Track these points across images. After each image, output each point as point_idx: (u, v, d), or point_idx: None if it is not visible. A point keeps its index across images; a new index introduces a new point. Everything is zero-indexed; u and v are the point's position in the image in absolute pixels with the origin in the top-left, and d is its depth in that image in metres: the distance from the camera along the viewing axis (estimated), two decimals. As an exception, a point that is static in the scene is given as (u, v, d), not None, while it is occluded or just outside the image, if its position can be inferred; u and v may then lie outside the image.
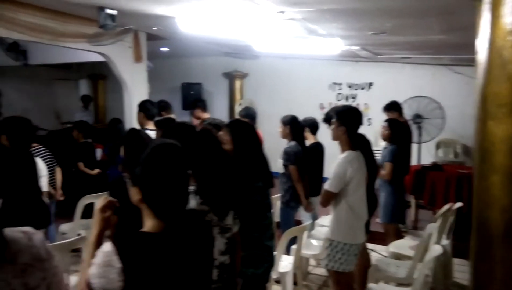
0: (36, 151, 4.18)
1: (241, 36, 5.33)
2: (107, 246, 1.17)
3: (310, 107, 7.22)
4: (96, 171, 5.07)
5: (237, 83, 8.50)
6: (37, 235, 1.08)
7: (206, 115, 5.09)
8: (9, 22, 4.01)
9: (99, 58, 5.68)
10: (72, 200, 4.23)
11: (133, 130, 2.91)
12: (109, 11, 3.99)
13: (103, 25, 4.07)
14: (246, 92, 8.57)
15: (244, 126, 2.31)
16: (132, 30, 5.31)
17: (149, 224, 1.26)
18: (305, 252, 3.69)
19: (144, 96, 5.68)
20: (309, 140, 4.32)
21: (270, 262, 2.33)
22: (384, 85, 7.49)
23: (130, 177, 1.29)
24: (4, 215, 2.59)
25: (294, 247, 3.54)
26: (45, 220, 3.29)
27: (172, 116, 4.91)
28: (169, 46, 7.15)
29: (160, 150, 1.28)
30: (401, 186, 4.24)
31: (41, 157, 4.15)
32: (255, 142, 2.29)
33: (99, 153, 5.61)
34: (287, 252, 3.55)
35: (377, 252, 4.45)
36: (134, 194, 1.28)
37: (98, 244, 1.34)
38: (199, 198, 1.72)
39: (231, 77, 8.55)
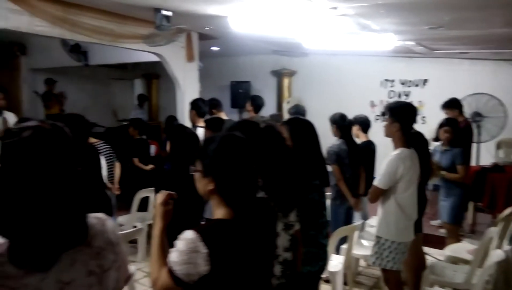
0: (98, 146, 4.47)
1: (291, 34, 5.32)
2: (190, 234, 1.23)
3: (361, 105, 7.07)
4: (150, 166, 5.28)
5: (285, 81, 8.50)
6: (109, 221, 1.15)
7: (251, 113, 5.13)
8: (73, 25, 4.28)
9: (153, 58, 5.91)
10: (128, 194, 4.45)
11: (179, 126, 3.04)
12: (164, 12, 4.14)
13: (159, 26, 4.23)
14: (294, 90, 8.54)
15: (303, 124, 2.32)
16: (185, 30, 5.47)
17: (220, 213, 1.32)
18: (356, 252, 3.63)
19: (196, 95, 5.84)
20: (360, 139, 4.24)
21: (324, 261, 2.32)
22: (440, 82, 7.17)
23: (202, 168, 1.35)
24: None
25: (344, 246, 3.49)
26: (108, 212, 3.49)
27: (222, 114, 5.01)
28: (219, 45, 7.29)
29: (231, 141, 1.34)
30: (467, 188, 4.12)
31: (102, 152, 4.42)
32: (314, 139, 2.30)
33: (153, 149, 5.84)
34: (337, 251, 3.52)
35: (431, 256, 4.28)
36: (204, 185, 1.34)
37: (163, 236, 1.41)
38: (264, 194, 1.75)
39: (279, 75, 8.55)
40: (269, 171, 1.80)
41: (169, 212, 1.47)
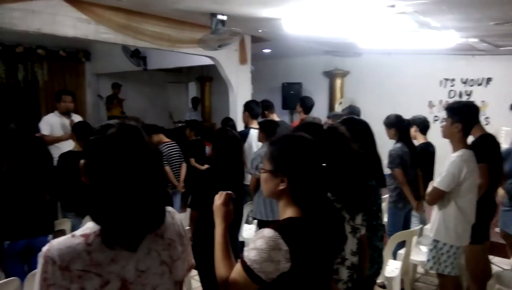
0: (168, 145, 4.78)
1: (345, 34, 5.25)
2: (269, 232, 1.25)
3: (418, 105, 6.79)
4: (205, 166, 5.43)
5: (338, 82, 8.37)
6: (177, 215, 1.23)
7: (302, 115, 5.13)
8: (135, 32, 4.52)
9: (206, 62, 6.08)
10: (187, 193, 4.66)
11: (221, 129, 3.10)
12: (220, 16, 4.25)
13: (214, 30, 4.35)
14: (347, 90, 8.39)
15: (359, 123, 2.29)
16: (239, 33, 5.58)
17: (289, 212, 1.34)
18: (414, 258, 3.51)
19: (248, 97, 5.92)
20: (419, 140, 4.09)
21: (379, 264, 2.28)
22: (505, 81, 6.71)
23: (271, 168, 1.37)
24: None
25: (401, 251, 3.38)
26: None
27: (274, 116, 5.04)
28: (271, 47, 7.34)
29: (302, 141, 1.37)
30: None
31: (171, 152, 4.73)
32: (370, 139, 2.26)
33: (207, 149, 6.01)
34: (394, 256, 3.42)
35: (496, 265, 4.02)
36: (275, 185, 1.36)
37: (227, 236, 1.44)
38: (331, 195, 1.74)
39: (331, 75, 8.45)
40: (335, 172, 1.79)
41: (231, 212, 1.49)
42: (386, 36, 5.09)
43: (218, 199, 1.49)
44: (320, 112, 7.90)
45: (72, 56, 8.22)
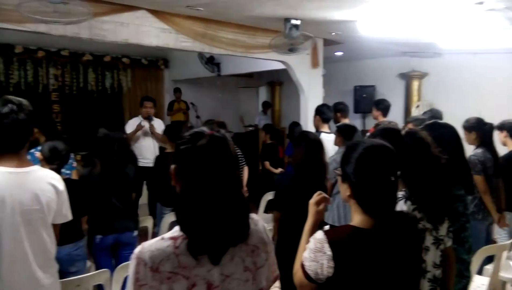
0: None
1: (425, 34, 4.99)
2: (319, 234, 1.28)
3: (506, 109, 6.23)
4: (279, 170, 5.49)
5: (415, 84, 7.96)
6: (261, 221, 1.24)
7: (380, 118, 4.95)
8: (211, 39, 4.71)
9: (277, 66, 6.14)
10: (257, 195, 4.70)
11: (303, 132, 3.11)
12: (294, 21, 4.27)
13: (288, 35, 4.38)
14: (425, 93, 7.94)
15: (444, 128, 2.17)
16: (311, 37, 5.56)
17: (357, 219, 1.33)
18: (503, 274, 3.21)
19: (319, 100, 5.87)
20: (509, 147, 3.75)
21: (468, 279, 2.12)
22: None
23: (342, 173, 1.38)
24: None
25: (488, 267, 3.13)
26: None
27: (347, 120, 4.93)
28: (343, 50, 7.21)
29: (373, 150, 1.34)
30: None
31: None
32: (457, 145, 2.13)
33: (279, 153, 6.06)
34: (479, 272, 3.17)
35: None
36: (344, 190, 1.37)
37: (312, 233, 1.46)
38: (410, 204, 1.68)
39: (407, 78, 8.06)
40: (416, 180, 1.72)
41: (320, 212, 1.54)
42: (471, 35, 4.75)
43: (314, 197, 1.55)
44: (395, 116, 7.56)
45: (152, 64, 8.78)
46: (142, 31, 4.23)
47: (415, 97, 7.94)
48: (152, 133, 5.01)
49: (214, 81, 8.82)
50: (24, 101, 1.80)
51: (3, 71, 7.13)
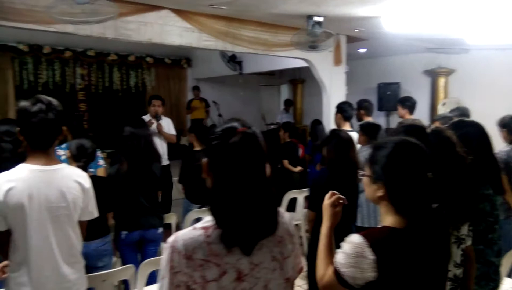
0: None
1: (452, 29, 4.85)
2: (357, 238, 1.25)
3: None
4: (298, 168, 5.45)
5: (441, 81, 7.76)
6: (286, 214, 1.26)
7: (407, 115, 4.84)
8: (234, 38, 4.72)
9: (299, 64, 6.09)
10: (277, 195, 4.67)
11: (334, 130, 3.06)
12: (316, 18, 4.23)
13: (311, 32, 4.34)
14: (452, 90, 7.73)
15: (472, 126, 2.12)
16: (334, 34, 5.50)
17: (390, 219, 1.30)
18: (535, 278, 3.09)
19: (342, 98, 5.79)
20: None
21: (496, 282, 2.05)
22: None
23: (371, 173, 1.35)
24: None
25: (519, 270, 3.01)
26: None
27: (370, 118, 4.85)
28: (367, 46, 7.10)
29: (405, 147, 1.31)
30: None
31: None
32: (485, 144, 2.07)
33: (299, 151, 6.02)
34: (509, 275, 3.06)
35: None
36: (374, 191, 1.34)
37: (331, 236, 1.45)
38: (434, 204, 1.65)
39: (433, 74, 7.87)
40: (439, 179, 1.67)
41: (338, 213, 1.51)
42: (500, 30, 4.58)
43: (328, 198, 1.52)
44: (421, 114, 7.39)
45: (175, 63, 8.89)
46: (166, 30, 4.27)
47: (441, 95, 7.74)
48: (159, 132, 4.95)
49: (236, 79, 8.85)
50: (53, 101, 1.85)
51: (32, 71, 7.36)
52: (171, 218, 3.46)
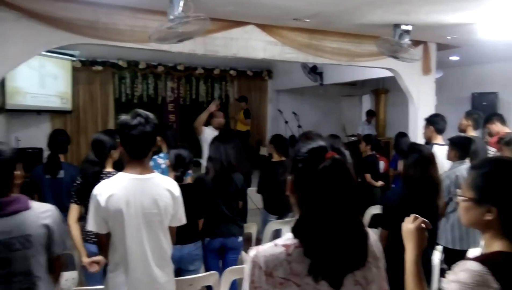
0: None
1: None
2: (476, 265, 1.14)
3: None
4: (380, 183, 5.22)
5: (548, 90, 6.94)
6: (373, 236, 1.20)
7: (505, 129, 4.42)
8: (316, 49, 4.71)
9: (382, 74, 5.85)
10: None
11: (413, 144, 2.86)
12: (404, 27, 4.05)
13: (397, 41, 4.16)
14: (562, 100, 6.88)
15: None
16: (422, 42, 5.22)
17: (499, 244, 1.20)
18: None
19: (431, 109, 5.45)
20: None
21: None
22: None
23: (475, 195, 1.24)
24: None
25: None
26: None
27: (474, 133, 4.48)
28: (459, 54, 6.61)
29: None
30: None
31: None
32: None
33: (382, 165, 5.77)
34: None
35: None
36: (479, 214, 1.23)
37: (419, 263, 1.35)
38: None
39: (539, 83, 7.07)
40: None
41: (424, 238, 1.38)
42: None
43: (411, 222, 1.39)
44: (522, 127, 6.68)
45: (257, 75, 9.13)
46: (250, 45, 4.42)
47: (548, 105, 6.91)
48: None
49: (316, 90, 8.80)
50: (150, 115, 2.02)
51: (129, 85, 8.09)
52: (252, 228, 3.53)
